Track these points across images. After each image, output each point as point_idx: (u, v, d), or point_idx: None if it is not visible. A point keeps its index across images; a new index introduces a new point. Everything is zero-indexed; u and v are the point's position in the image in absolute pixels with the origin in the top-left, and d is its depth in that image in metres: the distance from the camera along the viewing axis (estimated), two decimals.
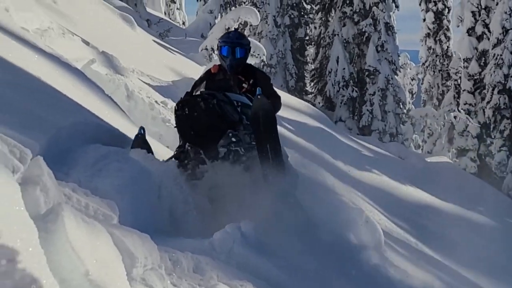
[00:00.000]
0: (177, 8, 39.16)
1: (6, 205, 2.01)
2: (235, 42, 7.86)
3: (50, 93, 6.72)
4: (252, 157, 7.20)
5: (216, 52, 17.77)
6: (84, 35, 14.00)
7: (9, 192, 2.17)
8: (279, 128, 22.86)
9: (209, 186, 6.93)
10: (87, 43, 14.03)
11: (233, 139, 7.05)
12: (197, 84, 7.93)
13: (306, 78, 36.82)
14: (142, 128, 7.23)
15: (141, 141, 7.04)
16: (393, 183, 19.92)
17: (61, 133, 5.52)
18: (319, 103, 34.75)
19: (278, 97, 8.10)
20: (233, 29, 9.00)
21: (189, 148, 7.21)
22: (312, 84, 36.67)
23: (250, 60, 16.89)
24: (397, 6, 34.89)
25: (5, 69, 5.71)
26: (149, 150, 6.92)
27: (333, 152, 20.41)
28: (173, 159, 7.42)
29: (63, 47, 11.96)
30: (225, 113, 6.90)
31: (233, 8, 28.62)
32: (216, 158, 6.97)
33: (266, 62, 29.54)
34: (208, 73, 8.16)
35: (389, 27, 34.34)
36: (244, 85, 7.87)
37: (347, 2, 34.19)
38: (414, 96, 51.94)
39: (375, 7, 33.71)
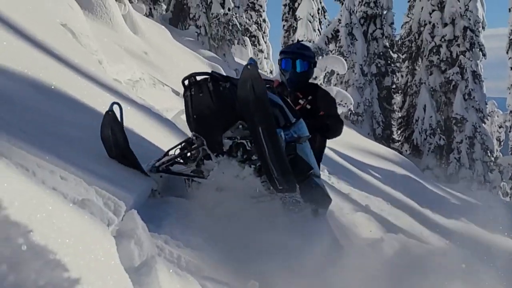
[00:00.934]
0: (264, 57, 39.54)
1: (102, 259, 2.04)
2: (296, 52, 6.98)
3: (141, 143, 6.82)
4: None
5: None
6: (174, 85, 14.25)
7: (105, 246, 2.20)
8: (366, 175, 22.76)
9: (216, 187, 5.90)
10: (177, 93, 14.25)
11: (242, 131, 5.83)
12: None
13: (393, 126, 36.73)
14: (115, 103, 5.91)
15: (111, 119, 5.82)
16: (481, 231, 19.69)
17: (153, 184, 5.81)
18: (406, 151, 34.56)
19: (340, 121, 7.07)
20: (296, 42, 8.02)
21: (194, 138, 6.22)
22: (399, 132, 36.60)
23: (338, 109, 17.06)
24: (484, 55, 34.59)
25: (98, 120, 5.89)
26: (121, 132, 5.76)
27: (420, 200, 20.18)
28: (177, 149, 6.47)
29: (154, 97, 12.29)
30: (234, 101, 5.71)
31: (320, 57, 28.81)
32: (220, 152, 5.91)
33: (353, 111, 29.65)
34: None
35: (476, 75, 34.08)
36: (300, 101, 6.93)
37: (434, 51, 34.08)
38: (502, 143, 51.17)
39: (462, 56, 33.55)
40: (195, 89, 5.85)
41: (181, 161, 6.38)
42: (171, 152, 6.49)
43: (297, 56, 6.86)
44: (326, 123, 6.74)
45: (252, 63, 5.31)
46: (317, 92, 6.73)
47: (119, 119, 5.87)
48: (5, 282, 1.23)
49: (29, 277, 1.27)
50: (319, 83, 18.79)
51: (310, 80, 7.26)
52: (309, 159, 6.19)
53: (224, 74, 22.70)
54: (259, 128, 5.10)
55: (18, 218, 1.31)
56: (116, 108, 5.90)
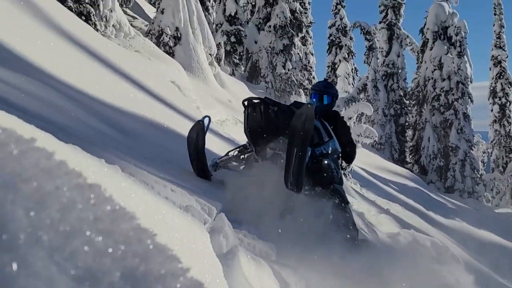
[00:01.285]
0: None
1: (200, 249, 2.04)
2: (323, 90, 6.71)
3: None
4: None
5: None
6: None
7: (203, 239, 2.19)
8: (387, 187, 22.53)
9: (261, 182, 5.59)
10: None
11: (282, 145, 5.64)
12: None
13: (406, 152, 36.31)
14: (206, 116, 6.20)
15: (199, 127, 6.06)
16: (471, 228, 19.41)
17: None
18: (416, 170, 34.03)
19: (354, 145, 6.76)
20: (322, 79, 7.47)
21: (248, 145, 6.27)
22: (410, 156, 36.19)
23: (365, 140, 17.02)
24: (471, 101, 33.94)
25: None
26: (202, 138, 6.03)
27: (426, 205, 20.07)
28: (236, 151, 6.50)
29: (236, 133, 12.32)
30: (279, 121, 5.67)
31: (353, 103, 28.77)
32: (264, 158, 5.90)
33: (377, 142, 29.44)
34: None
35: (466, 116, 33.51)
36: None
37: (435, 98, 33.60)
38: (485, 165, 50.34)
39: (456, 102, 33.00)
40: (251, 109, 5.76)
41: (234, 162, 6.41)
42: (230, 153, 6.52)
43: (323, 93, 6.62)
44: (347, 149, 6.41)
45: (312, 103, 5.16)
46: (337, 120, 6.32)
47: (205, 129, 6.01)
48: (137, 271, 1.24)
49: (154, 267, 1.30)
50: (353, 122, 18.75)
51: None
52: (332, 170, 5.98)
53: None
54: (295, 149, 4.92)
55: (147, 224, 1.34)
56: (206, 121, 6.06)
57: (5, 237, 1.02)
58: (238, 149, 6.47)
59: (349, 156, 6.63)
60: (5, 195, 1.02)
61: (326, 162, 5.81)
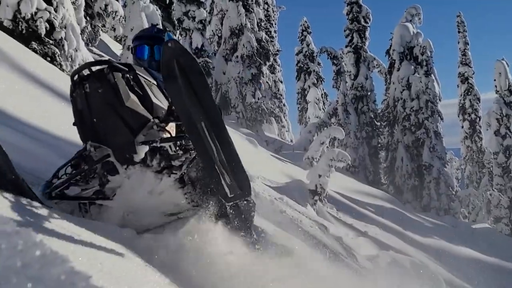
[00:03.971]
0: (286, 131, 39.66)
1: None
2: (154, 37, 4.59)
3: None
4: (194, 165, 3.93)
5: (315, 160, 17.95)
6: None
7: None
8: (364, 210, 22.75)
9: (124, 210, 3.72)
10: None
11: (157, 133, 3.73)
12: None
13: (380, 173, 36.45)
14: None
15: None
16: (448, 245, 19.55)
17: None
18: (391, 190, 34.21)
19: None
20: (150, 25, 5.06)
21: (91, 149, 3.74)
22: (385, 177, 36.30)
23: (339, 164, 17.11)
24: (442, 119, 34.28)
25: None
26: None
27: (403, 225, 20.20)
28: (66, 172, 3.95)
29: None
30: (147, 94, 3.73)
31: (325, 128, 28.93)
32: (131, 163, 3.68)
33: (350, 165, 29.59)
34: None
35: (437, 134, 33.82)
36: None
37: (406, 118, 33.95)
38: (459, 181, 50.77)
39: (426, 121, 33.31)
40: (91, 85, 3.58)
41: (78, 181, 3.89)
42: (61, 173, 3.99)
43: (155, 42, 4.53)
44: None
45: (171, 38, 3.54)
46: None
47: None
48: None
49: None
50: (325, 147, 18.88)
51: None
52: None
53: (258, 145, 23.21)
54: (202, 124, 3.17)
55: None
56: None
57: None
58: (72, 163, 4.02)
59: None
60: None
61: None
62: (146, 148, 3.66)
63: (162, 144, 3.74)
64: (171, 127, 3.96)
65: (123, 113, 3.59)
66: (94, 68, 3.67)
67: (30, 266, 0.98)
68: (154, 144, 3.67)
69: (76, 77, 3.67)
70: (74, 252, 1.59)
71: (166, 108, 3.90)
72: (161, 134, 3.76)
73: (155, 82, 3.95)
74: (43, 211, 3.03)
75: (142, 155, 3.66)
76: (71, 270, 1.18)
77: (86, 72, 3.67)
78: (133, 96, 3.65)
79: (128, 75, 3.67)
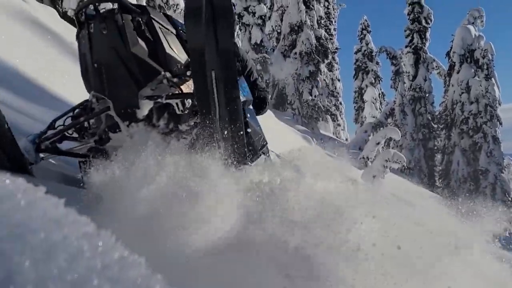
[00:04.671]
0: (341, 129, 39.58)
1: None
2: None
3: None
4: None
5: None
6: (279, 151, 14.57)
7: None
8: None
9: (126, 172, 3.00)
10: (278, 156, 14.44)
11: (168, 88, 3.27)
12: None
13: (435, 176, 36.09)
14: None
15: None
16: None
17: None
18: (446, 194, 34.06)
19: (264, 87, 4.66)
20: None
21: (93, 100, 3.35)
22: (440, 180, 35.93)
23: (394, 165, 17.02)
24: (500, 123, 33.93)
25: None
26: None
27: None
28: (67, 118, 3.62)
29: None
30: (161, 43, 3.24)
31: (381, 128, 28.80)
32: (134, 120, 3.22)
33: (405, 166, 29.43)
34: None
35: (495, 139, 33.38)
36: None
37: (464, 122, 33.63)
38: None
39: (484, 125, 32.99)
40: (97, 25, 3.16)
41: (75, 135, 3.54)
42: (58, 124, 3.64)
43: None
44: (256, 93, 4.40)
45: None
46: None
47: None
48: None
49: None
50: (381, 147, 18.84)
51: None
52: (259, 129, 3.90)
53: (313, 142, 23.13)
54: (212, 72, 2.68)
55: None
56: None
57: None
58: (72, 114, 3.70)
59: (260, 106, 4.56)
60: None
61: (250, 117, 3.74)
62: (150, 104, 3.23)
63: (168, 101, 3.23)
64: (188, 86, 3.39)
65: (127, 60, 3.16)
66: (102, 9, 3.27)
67: (110, 267, 1.01)
68: (159, 100, 3.21)
69: (83, 16, 3.27)
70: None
71: (183, 62, 3.40)
72: (172, 91, 3.29)
73: (174, 31, 3.50)
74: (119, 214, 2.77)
75: (146, 112, 3.24)
76: (147, 273, 1.17)
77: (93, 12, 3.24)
78: (141, 42, 3.22)
79: (140, 18, 3.23)
